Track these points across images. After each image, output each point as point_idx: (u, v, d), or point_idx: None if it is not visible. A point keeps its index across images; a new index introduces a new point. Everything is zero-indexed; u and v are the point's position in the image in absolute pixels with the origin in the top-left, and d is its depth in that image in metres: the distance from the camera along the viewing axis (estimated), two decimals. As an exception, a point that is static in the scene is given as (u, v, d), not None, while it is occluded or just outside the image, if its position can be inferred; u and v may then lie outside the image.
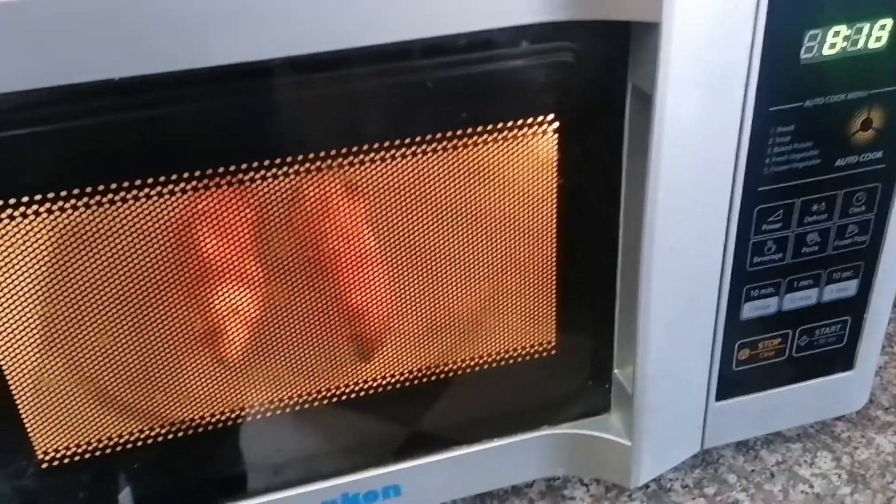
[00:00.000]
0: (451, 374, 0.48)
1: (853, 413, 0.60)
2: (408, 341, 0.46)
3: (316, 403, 0.47)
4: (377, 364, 0.47)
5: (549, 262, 0.46)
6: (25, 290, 0.39)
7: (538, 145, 0.42)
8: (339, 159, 0.39)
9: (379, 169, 0.40)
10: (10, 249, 0.38)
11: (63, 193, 0.36)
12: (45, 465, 0.43)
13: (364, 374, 0.47)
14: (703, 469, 0.56)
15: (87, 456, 0.44)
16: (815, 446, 0.58)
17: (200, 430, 0.45)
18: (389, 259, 0.44)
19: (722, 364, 0.50)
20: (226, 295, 0.42)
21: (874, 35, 0.42)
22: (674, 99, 0.39)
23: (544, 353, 0.49)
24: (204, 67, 0.34)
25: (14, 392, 0.41)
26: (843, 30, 0.41)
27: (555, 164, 0.43)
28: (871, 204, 0.47)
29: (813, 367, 0.53)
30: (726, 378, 0.50)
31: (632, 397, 0.48)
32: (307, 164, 0.39)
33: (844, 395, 0.55)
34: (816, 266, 0.49)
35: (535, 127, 0.41)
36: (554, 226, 0.45)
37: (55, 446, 0.43)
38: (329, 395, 0.46)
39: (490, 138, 0.41)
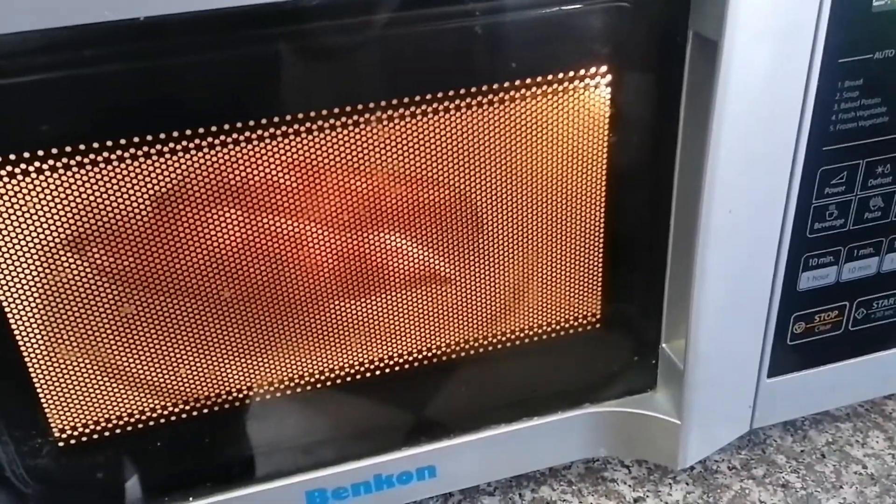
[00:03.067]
0: (490, 349, 0.45)
1: (903, 391, 0.57)
2: (446, 313, 0.44)
3: (348, 380, 0.44)
4: (413, 338, 0.44)
5: (596, 227, 0.43)
6: (38, 257, 0.36)
7: (589, 99, 0.39)
8: (378, 113, 0.36)
9: (420, 124, 0.37)
10: (23, 211, 0.35)
11: (73, 149, 0.34)
12: (61, 444, 0.41)
13: (399, 348, 0.44)
14: (749, 450, 0.54)
15: (106, 434, 0.41)
16: (866, 426, 0.55)
17: (228, 407, 0.42)
18: (427, 224, 0.41)
19: (776, 338, 0.47)
20: (252, 262, 0.39)
21: (951, -19, 0.39)
22: (741, 46, 0.36)
23: (588, 327, 0.46)
24: (241, 7, 0.31)
25: (30, 368, 0.39)
26: (918, -26, 0.38)
27: (606, 120, 0.40)
28: (938, 167, 0.44)
29: (869, 342, 0.50)
30: (780, 353, 0.48)
31: (683, 373, 0.45)
32: (344, 118, 0.36)
33: (899, 372, 0.52)
34: (878, 233, 0.46)
35: (587, 79, 0.38)
36: (603, 187, 0.42)
37: (72, 424, 0.41)
38: (362, 371, 0.44)
39: (539, 91, 0.38)
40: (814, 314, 0.47)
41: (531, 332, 0.46)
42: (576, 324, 0.46)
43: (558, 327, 0.46)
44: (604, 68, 0.38)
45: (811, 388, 0.50)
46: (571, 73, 0.38)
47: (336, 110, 0.36)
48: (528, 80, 0.38)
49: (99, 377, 0.40)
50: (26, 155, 0.33)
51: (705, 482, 0.52)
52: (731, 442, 0.52)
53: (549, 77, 0.38)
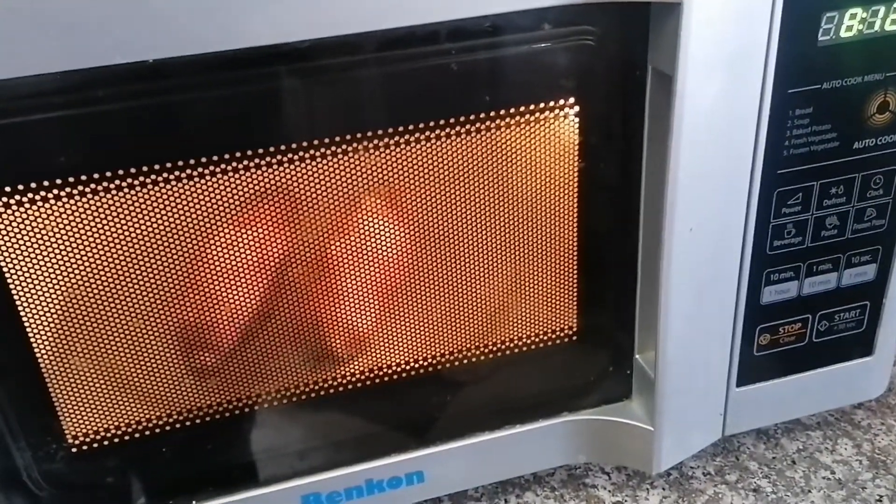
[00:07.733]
0: (473, 361, 0.48)
1: (872, 401, 0.60)
2: (430, 327, 0.47)
3: (341, 390, 0.47)
4: (400, 351, 0.47)
5: (570, 247, 0.46)
6: (55, 273, 0.39)
7: (559, 128, 0.43)
8: (365, 143, 0.40)
9: (404, 152, 0.41)
10: (42, 233, 0.38)
11: (88, 178, 0.37)
12: (74, 450, 0.44)
13: (387, 360, 0.47)
14: (724, 457, 0.57)
15: (116, 441, 0.44)
16: (836, 434, 0.58)
17: (227, 415, 0.46)
18: (411, 243, 0.44)
19: (743, 349, 0.50)
20: (251, 280, 0.42)
21: (890, 17, 0.42)
22: (694, 80, 0.39)
23: (566, 339, 0.49)
24: (236, 50, 0.35)
25: (47, 380, 0.42)
26: (860, 12, 0.42)
27: (576, 148, 0.43)
28: (889, 187, 0.48)
29: (833, 353, 0.53)
30: (747, 363, 0.51)
31: (654, 382, 0.48)
32: (332, 148, 0.40)
33: (864, 381, 0.55)
34: (835, 250, 0.49)
35: (557, 110, 0.42)
36: (575, 210, 0.45)
37: (85, 431, 0.44)
38: (353, 381, 0.47)
39: (512, 122, 0.42)
40: (778, 326, 0.50)
41: (513, 345, 0.49)
42: (554, 337, 0.49)
43: (538, 340, 0.49)
44: (571, 100, 0.42)
45: (779, 397, 0.53)
46: (542, 105, 0.42)
47: (326, 140, 0.39)
48: (503, 112, 0.41)
49: (110, 388, 0.44)
50: (45, 183, 0.37)
51: (681, 487, 0.54)
52: (707, 449, 0.55)
53: (522, 108, 0.41)
